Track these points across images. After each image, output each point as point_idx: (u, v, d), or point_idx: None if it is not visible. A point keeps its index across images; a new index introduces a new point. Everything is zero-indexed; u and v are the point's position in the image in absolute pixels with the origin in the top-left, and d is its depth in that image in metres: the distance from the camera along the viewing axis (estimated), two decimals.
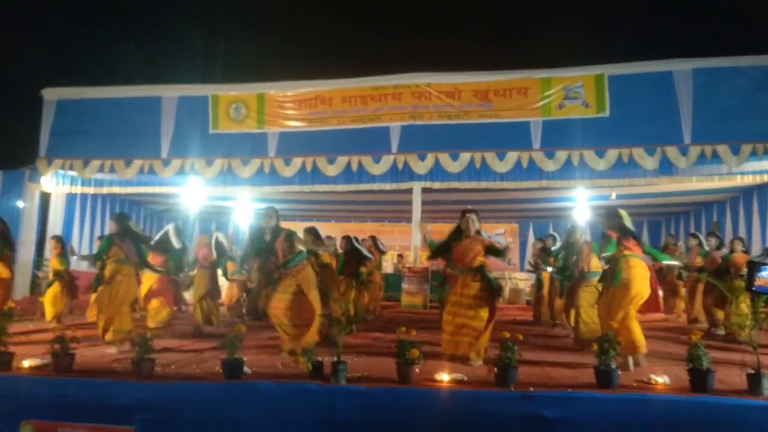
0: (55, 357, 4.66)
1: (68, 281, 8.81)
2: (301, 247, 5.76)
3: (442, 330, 5.55)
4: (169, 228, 7.60)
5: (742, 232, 12.11)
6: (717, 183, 10.37)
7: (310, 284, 5.62)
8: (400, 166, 10.62)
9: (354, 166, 10.73)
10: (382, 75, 10.84)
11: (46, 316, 8.50)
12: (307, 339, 5.33)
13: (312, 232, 6.29)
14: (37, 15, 17.16)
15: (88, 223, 13.56)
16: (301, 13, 20.79)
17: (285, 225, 5.97)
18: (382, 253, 10.43)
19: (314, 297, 5.59)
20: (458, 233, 5.60)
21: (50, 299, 8.52)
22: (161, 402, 4.19)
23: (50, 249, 9.01)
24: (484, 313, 5.32)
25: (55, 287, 8.56)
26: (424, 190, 10.93)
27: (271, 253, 5.72)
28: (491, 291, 5.39)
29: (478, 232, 5.56)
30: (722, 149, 9.37)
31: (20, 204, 11.56)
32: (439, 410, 4.06)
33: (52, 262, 8.84)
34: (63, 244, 8.96)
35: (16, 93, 15.67)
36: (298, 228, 6.42)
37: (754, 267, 2.95)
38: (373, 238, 9.91)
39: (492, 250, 5.51)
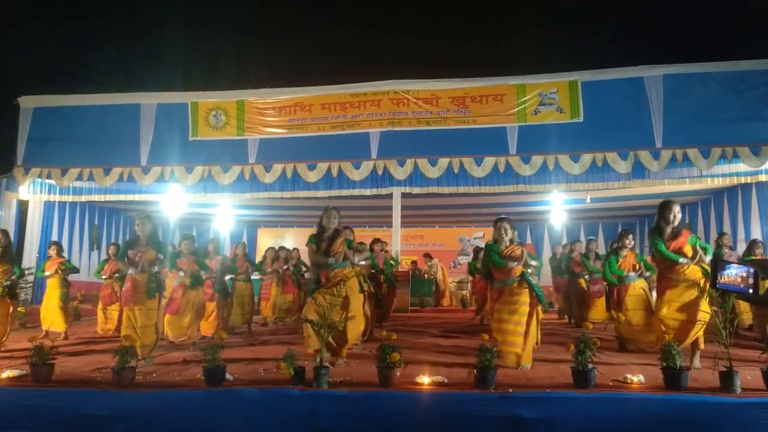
0: (34, 367, 4.62)
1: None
2: None
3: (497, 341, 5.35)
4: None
5: (713, 233, 12.41)
6: (688, 185, 10.60)
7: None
8: (380, 172, 10.67)
9: (334, 172, 10.76)
10: (361, 82, 10.91)
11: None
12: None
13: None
14: (13, 20, 16.89)
15: (66, 232, 13.35)
16: (280, 16, 20.78)
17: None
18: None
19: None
20: (495, 244, 5.56)
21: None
22: (142, 411, 4.18)
23: (50, 255, 8.56)
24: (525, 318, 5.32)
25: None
26: (404, 195, 11.02)
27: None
28: (536, 297, 5.37)
29: (511, 241, 5.54)
30: (693, 153, 9.60)
31: None
32: (420, 413, 4.11)
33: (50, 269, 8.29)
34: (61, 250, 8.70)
35: None
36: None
37: (717, 265, 3.00)
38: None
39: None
